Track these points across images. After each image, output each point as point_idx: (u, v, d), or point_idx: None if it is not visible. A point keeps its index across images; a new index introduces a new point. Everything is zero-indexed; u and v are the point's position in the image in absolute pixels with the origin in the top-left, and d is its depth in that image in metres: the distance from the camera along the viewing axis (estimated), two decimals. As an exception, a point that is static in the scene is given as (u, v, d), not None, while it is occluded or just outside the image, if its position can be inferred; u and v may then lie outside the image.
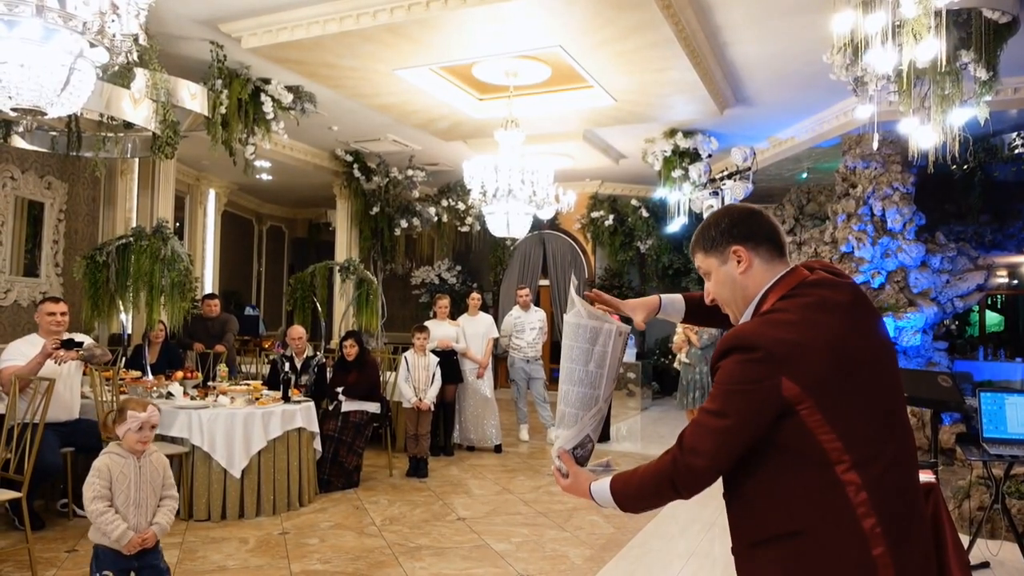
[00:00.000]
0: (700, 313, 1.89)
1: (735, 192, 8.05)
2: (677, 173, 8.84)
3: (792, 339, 1.38)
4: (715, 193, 8.35)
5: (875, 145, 6.10)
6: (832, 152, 8.80)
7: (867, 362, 1.42)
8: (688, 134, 8.64)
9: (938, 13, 3.82)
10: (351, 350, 6.05)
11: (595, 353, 1.63)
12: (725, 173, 8.18)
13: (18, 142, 6.35)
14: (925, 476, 2.72)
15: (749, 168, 7.95)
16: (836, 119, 7.98)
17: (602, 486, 1.58)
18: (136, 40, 2.99)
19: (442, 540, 4.47)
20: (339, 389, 5.90)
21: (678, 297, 1.92)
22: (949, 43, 4.55)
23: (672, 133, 8.65)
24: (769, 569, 1.42)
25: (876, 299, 7.82)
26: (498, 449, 7.28)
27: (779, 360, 1.36)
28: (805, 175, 10.25)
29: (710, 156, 8.84)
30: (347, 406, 5.81)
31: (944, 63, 4.25)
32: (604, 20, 5.44)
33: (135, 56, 3.13)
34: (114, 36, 2.95)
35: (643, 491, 1.52)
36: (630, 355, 10.56)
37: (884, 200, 7.87)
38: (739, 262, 1.55)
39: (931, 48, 3.81)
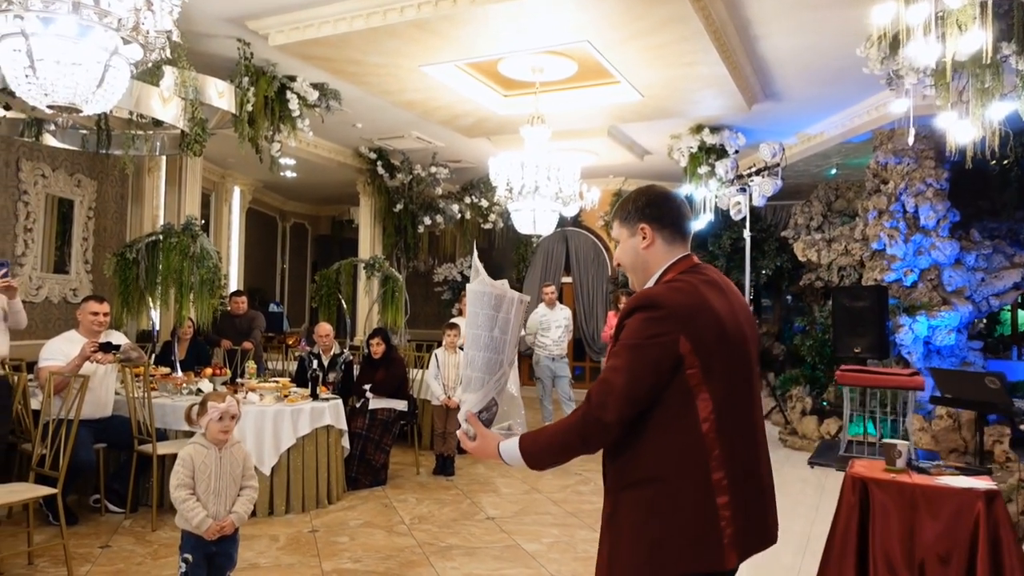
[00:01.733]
0: None
1: (763, 188, 7.93)
2: (703, 170, 8.74)
3: (690, 303, 1.59)
4: (742, 190, 8.23)
5: (911, 140, 5.96)
6: (862, 147, 8.64)
7: (736, 336, 1.63)
8: (715, 130, 8.53)
9: (983, 3, 3.71)
10: (377, 348, 6.03)
11: (499, 320, 1.73)
12: (753, 169, 8.06)
13: (49, 140, 6.41)
14: (982, 482, 2.64)
15: (778, 164, 7.83)
16: (867, 114, 7.82)
17: (510, 445, 1.67)
18: (169, 37, 2.98)
19: (472, 540, 4.44)
20: (366, 387, 5.89)
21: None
22: (991, 35, 4.43)
23: (698, 129, 8.55)
24: (631, 509, 1.59)
25: (908, 297, 7.67)
26: (524, 447, 7.22)
27: (679, 319, 1.55)
28: (834, 171, 10.09)
29: (737, 152, 8.72)
30: (375, 404, 5.81)
31: (988, 55, 4.12)
32: (633, 15, 5.37)
33: (168, 53, 3.13)
34: (148, 33, 2.95)
35: (552, 447, 1.63)
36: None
37: (917, 196, 7.72)
38: (644, 238, 1.75)
39: (976, 40, 3.71)
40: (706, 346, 1.55)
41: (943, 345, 7.46)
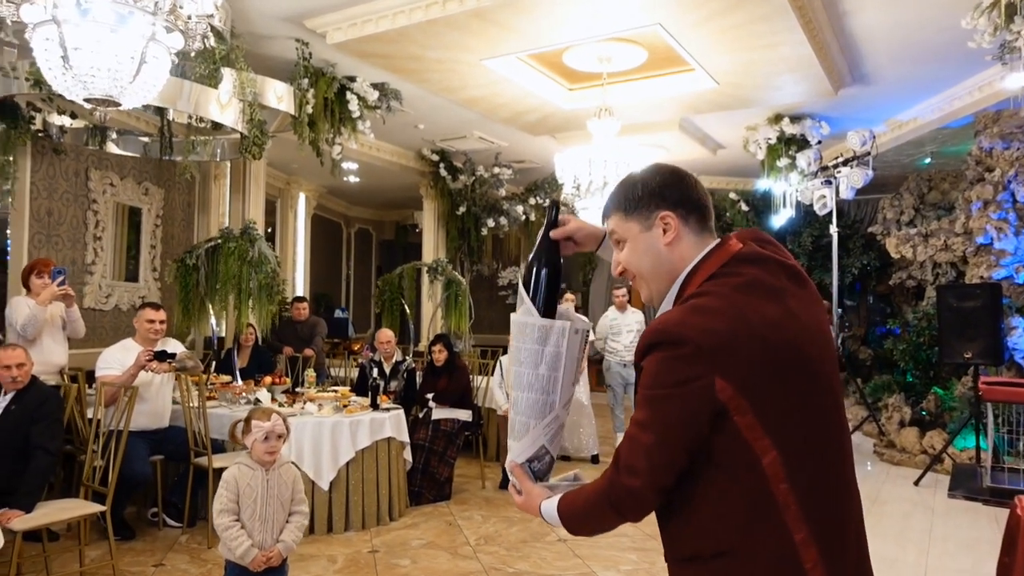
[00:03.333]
0: None
1: (852, 180, 7.33)
2: (783, 162, 8.19)
3: (724, 328, 1.17)
4: (828, 182, 7.64)
5: (1029, 118, 5.33)
6: (962, 133, 7.92)
7: (803, 355, 1.22)
8: (795, 119, 7.97)
9: None
10: (440, 355, 5.77)
11: (546, 354, 1.44)
12: (840, 160, 7.47)
13: (112, 148, 6.43)
14: None
15: (868, 153, 7.22)
16: (969, 95, 7.13)
17: (551, 505, 1.38)
18: (212, 20, 2.76)
19: (543, 565, 4.08)
20: (429, 396, 5.62)
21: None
22: None
23: (777, 119, 8.00)
24: None
25: (1021, 296, 6.94)
26: (595, 459, 6.85)
27: (711, 355, 1.16)
28: (928, 160, 9.33)
29: (819, 143, 8.13)
30: (437, 414, 5.53)
31: None
32: (710, -8, 4.94)
33: (212, 41, 2.91)
34: (189, 18, 2.73)
35: (588, 514, 1.33)
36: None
37: (1030, 184, 6.98)
38: (666, 231, 1.32)
39: None
40: (756, 381, 1.17)
41: (1064, 349, 6.69)
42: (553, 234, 1.50)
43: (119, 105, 2.80)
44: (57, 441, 3.58)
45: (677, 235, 1.32)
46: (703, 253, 1.31)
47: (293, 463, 4.34)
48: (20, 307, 4.39)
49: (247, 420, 2.76)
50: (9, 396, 3.52)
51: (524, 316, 1.46)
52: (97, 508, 3.49)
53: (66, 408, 3.91)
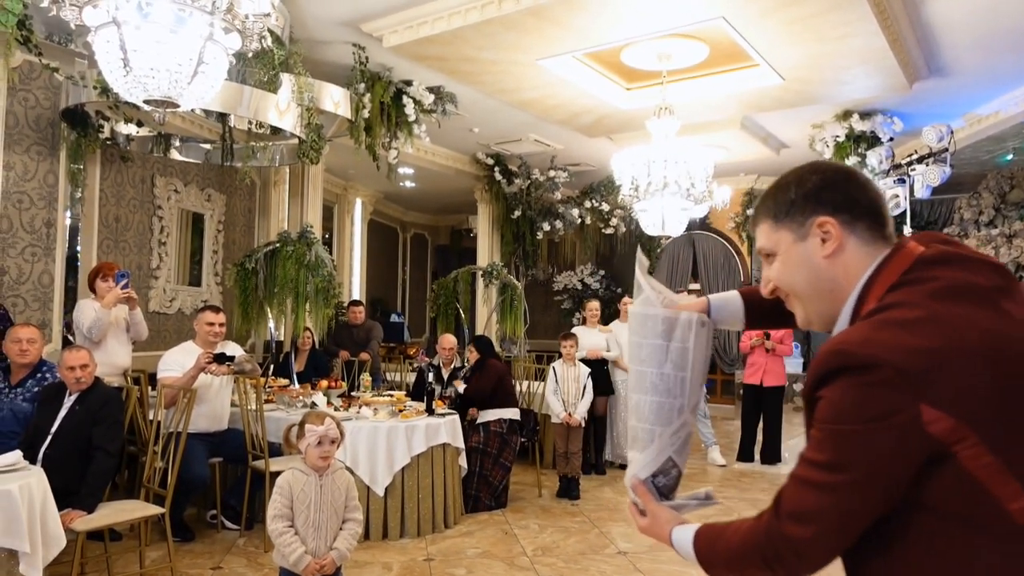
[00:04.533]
0: (768, 315, 1.37)
1: (928, 178, 6.98)
2: (852, 160, 7.84)
3: (928, 346, 0.92)
4: (901, 180, 7.29)
5: None
6: (1048, 127, 7.44)
7: None
8: (865, 115, 7.62)
9: None
10: (471, 356, 5.71)
11: (671, 350, 1.27)
12: (915, 157, 7.11)
13: (175, 155, 6.58)
14: None
15: (945, 149, 6.85)
16: (1056, 86, 6.69)
17: (684, 537, 1.19)
18: (269, 20, 2.74)
19: (602, 578, 3.94)
20: (452, 391, 5.54)
21: (732, 295, 1.42)
22: None
23: (846, 115, 7.67)
24: None
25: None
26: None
27: (915, 379, 0.91)
28: (1010, 156, 8.81)
29: (891, 140, 7.76)
30: (483, 417, 5.44)
31: None
32: (777, -19, 4.73)
33: (268, 41, 2.89)
34: (246, 17, 2.71)
35: (731, 559, 1.10)
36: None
37: None
38: (824, 240, 1.10)
39: None
40: (980, 403, 0.91)
41: None
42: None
43: (178, 106, 2.80)
44: (117, 442, 3.62)
45: (840, 245, 1.10)
46: (877, 262, 1.08)
47: (348, 468, 4.32)
48: (86, 310, 4.49)
49: (301, 425, 2.72)
50: (73, 397, 3.59)
51: (644, 307, 1.31)
52: (157, 510, 3.51)
53: (128, 410, 3.96)
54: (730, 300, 1.41)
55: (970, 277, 1.01)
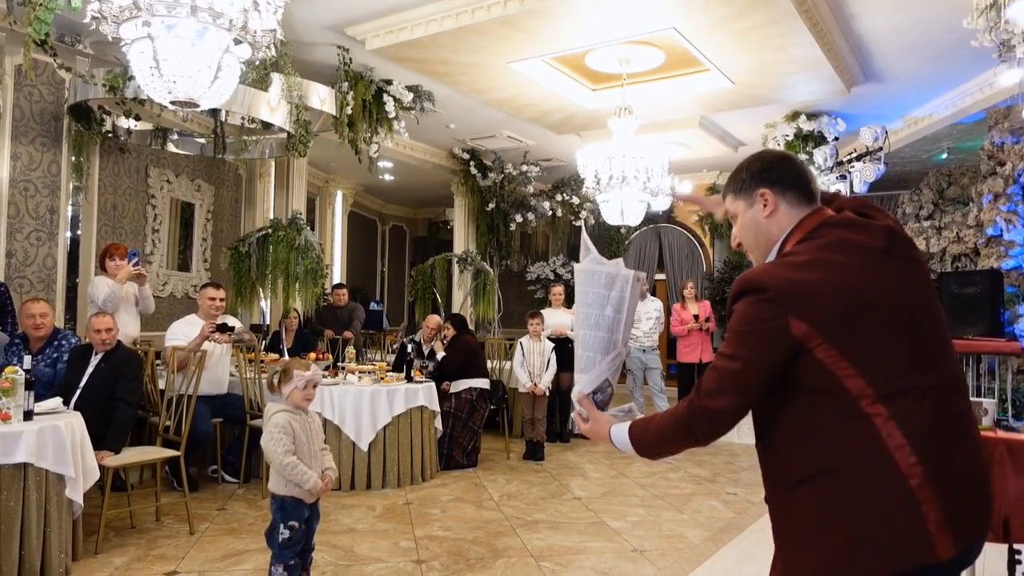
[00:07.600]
0: None
1: (864, 175, 7.64)
2: (801, 158, 8.47)
3: (800, 279, 1.38)
4: (842, 177, 7.95)
5: (1024, 114, 5.61)
6: (976, 128, 8.13)
7: (889, 301, 1.40)
8: (812, 116, 8.26)
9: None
10: (447, 332, 6.27)
11: (611, 298, 1.66)
12: (853, 155, 7.77)
13: (172, 148, 7.04)
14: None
15: (880, 148, 7.52)
16: (980, 91, 7.38)
17: (621, 430, 1.59)
18: (275, 36, 3.27)
19: (558, 516, 4.54)
20: (430, 362, 6.10)
21: None
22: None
23: (794, 116, 8.30)
24: (805, 510, 1.41)
25: (1030, 285, 7.16)
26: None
27: (787, 300, 1.37)
28: (945, 155, 9.54)
29: (837, 139, 8.41)
30: (455, 387, 6.03)
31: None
32: (719, -2, 5.33)
33: (274, 52, 3.42)
34: (256, 32, 3.24)
35: (661, 436, 1.53)
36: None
37: (1037, 177, 7.20)
38: (765, 205, 1.55)
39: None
40: (830, 319, 1.36)
41: (1070, 336, 6.90)
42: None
43: (199, 106, 3.32)
44: (137, 395, 4.16)
45: (775, 208, 1.53)
46: (796, 222, 1.52)
47: (335, 425, 4.84)
48: (101, 285, 4.98)
49: (285, 371, 3.09)
50: (99, 356, 4.12)
51: (592, 264, 1.69)
52: (173, 453, 4.05)
53: (146, 368, 4.48)
54: None
55: (858, 237, 1.45)
